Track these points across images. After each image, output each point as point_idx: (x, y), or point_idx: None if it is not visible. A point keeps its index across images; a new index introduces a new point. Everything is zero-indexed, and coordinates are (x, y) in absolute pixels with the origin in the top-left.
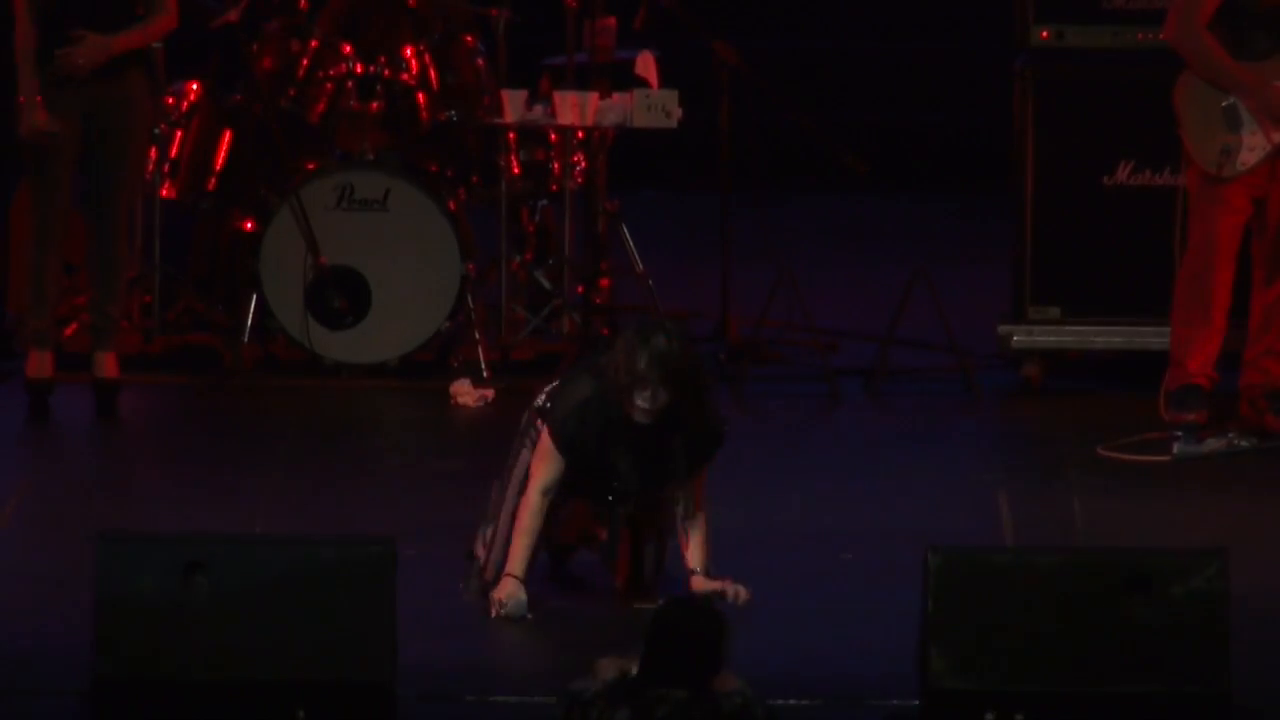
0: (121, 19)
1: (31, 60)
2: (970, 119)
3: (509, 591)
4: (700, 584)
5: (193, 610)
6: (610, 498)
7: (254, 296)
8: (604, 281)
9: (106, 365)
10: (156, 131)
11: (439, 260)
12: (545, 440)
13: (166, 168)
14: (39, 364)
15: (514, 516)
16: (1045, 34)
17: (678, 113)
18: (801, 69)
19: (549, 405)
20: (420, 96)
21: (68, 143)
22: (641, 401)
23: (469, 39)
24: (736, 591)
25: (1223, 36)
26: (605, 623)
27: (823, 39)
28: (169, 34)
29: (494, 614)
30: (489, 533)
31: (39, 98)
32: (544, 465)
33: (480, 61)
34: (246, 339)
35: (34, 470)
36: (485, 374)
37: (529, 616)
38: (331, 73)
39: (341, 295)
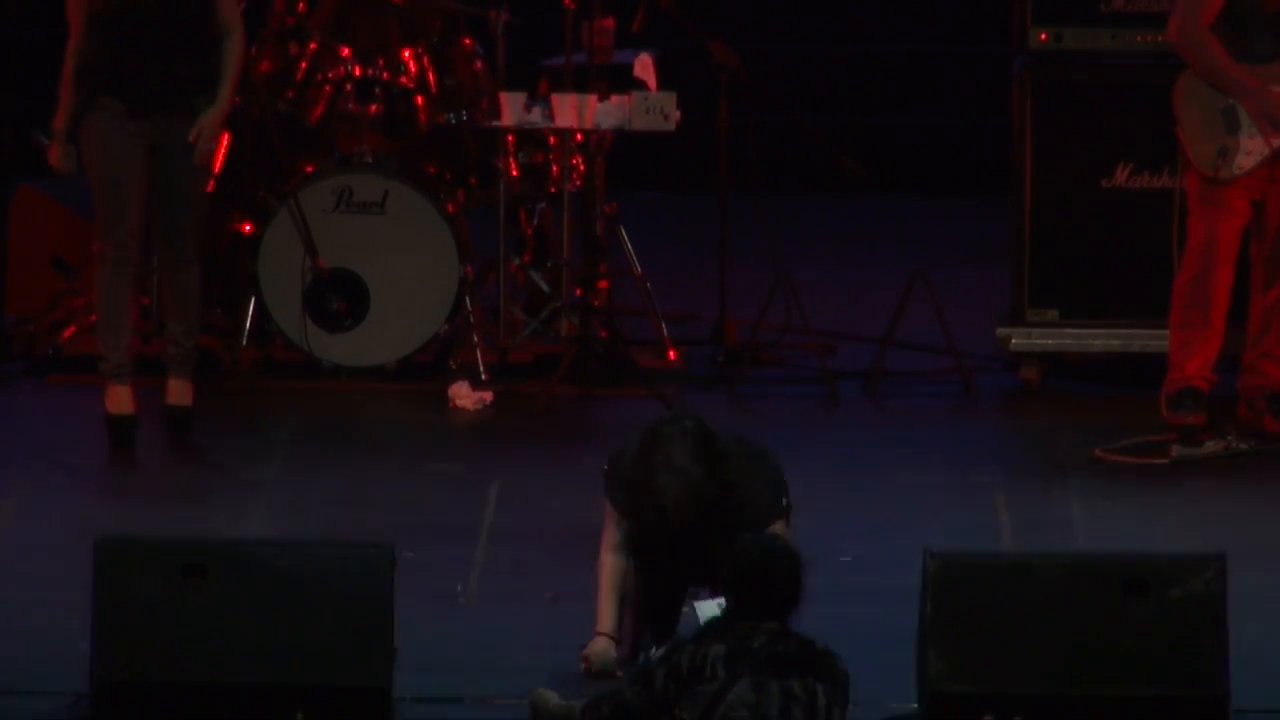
0: (192, 39)
1: (72, 89)
2: (968, 121)
3: (599, 649)
4: None
5: (191, 613)
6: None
7: (252, 299)
8: (602, 284)
9: (181, 393)
10: None
11: (437, 263)
12: (607, 503)
13: None
14: (119, 399)
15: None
16: (1043, 36)
17: (676, 115)
18: (799, 71)
19: (605, 467)
20: (418, 99)
21: (136, 172)
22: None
23: (467, 41)
24: None
25: (1226, 39)
26: None
27: (820, 41)
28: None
29: (584, 669)
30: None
31: (60, 140)
32: (608, 523)
33: (478, 64)
34: (245, 341)
35: (34, 472)
36: (484, 376)
37: (619, 674)
38: (330, 75)
39: (340, 298)
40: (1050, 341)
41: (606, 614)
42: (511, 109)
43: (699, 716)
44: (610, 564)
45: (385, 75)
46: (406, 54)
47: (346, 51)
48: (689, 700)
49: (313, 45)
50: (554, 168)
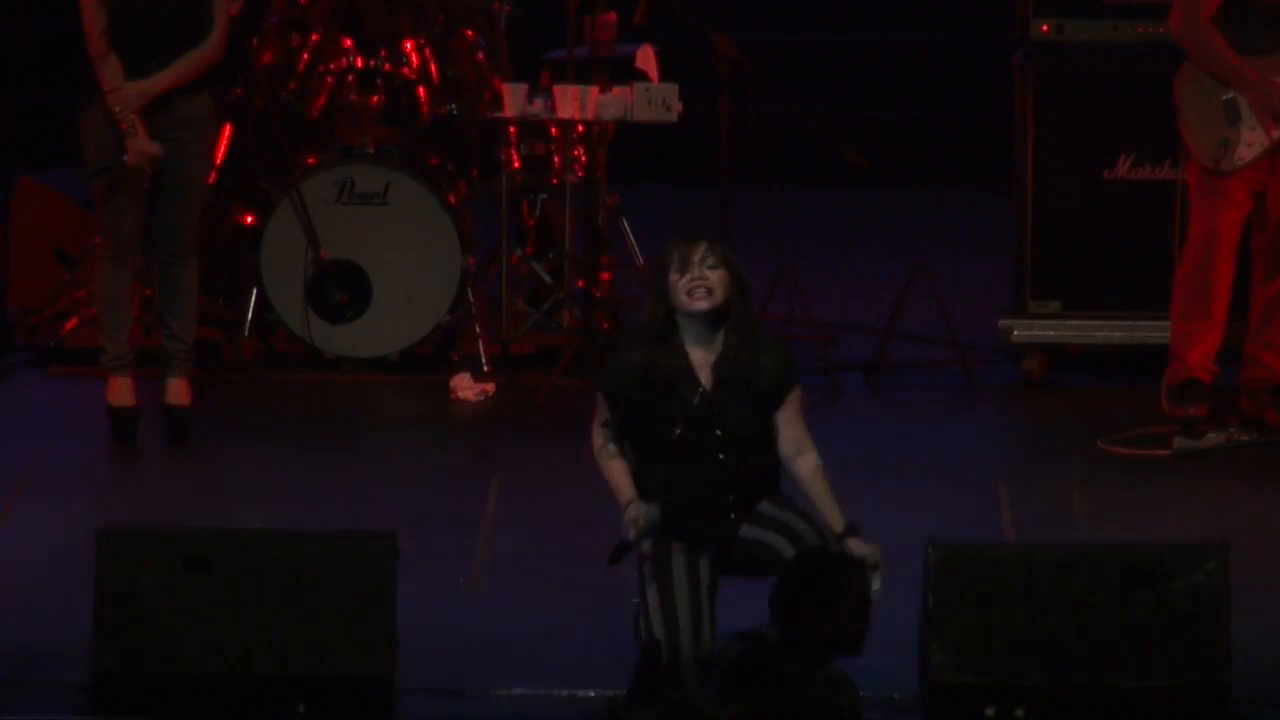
0: (192, 36)
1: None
2: (970, 112)
3: (635, 513)
4: (858, 548)
5: (193, 604)
6: (687, 435)
7: (254, 290)
8: (604, 275)
9: (179, 392)
10: None
11: (439, 254)
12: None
13: None
14: (120, 391)
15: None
16: (1045, 27)
17: (678, 106)
18: (801, 62)
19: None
20: (421, 90)
21: (138, 167)
22: (691, 280)
23: (469, 33)
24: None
25: (1226, 30)
26: (609, 616)
27: (822, 33)
28: (213, 64)
29: (632, 536)
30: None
31: (140, 124)
32: (596, 411)
33: (481, 55)
34: (247, 333)
35: (35, 464)
36: (485, 368)
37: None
38: (332, 66)
39: (342, 289)
40: (1052, 333)
41: (622, 485)
42: (514, 100)
43: None
44: (596, 445)
45: (387, 67)
46: (409, 45)
47: (348, 43)
48: None
49: (315, 36)
50: (556, 159)
